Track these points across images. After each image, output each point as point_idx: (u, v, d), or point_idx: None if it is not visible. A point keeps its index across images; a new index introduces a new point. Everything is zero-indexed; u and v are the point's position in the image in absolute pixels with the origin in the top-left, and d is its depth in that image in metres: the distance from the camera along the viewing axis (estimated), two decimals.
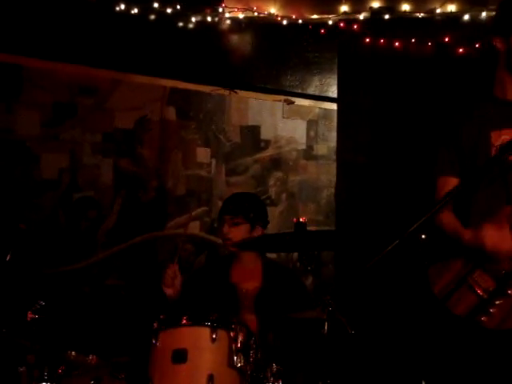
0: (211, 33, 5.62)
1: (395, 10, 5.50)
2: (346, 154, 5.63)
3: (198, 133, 5.67)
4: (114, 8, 5.37)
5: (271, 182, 5.78)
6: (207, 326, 3.18)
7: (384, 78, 5.47)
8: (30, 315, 3.47)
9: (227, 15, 5.63)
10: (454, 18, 5.42)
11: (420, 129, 5.28)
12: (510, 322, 3.12)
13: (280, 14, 5.64)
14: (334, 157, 5.78)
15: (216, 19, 5.61)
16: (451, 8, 5.45)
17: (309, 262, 3.49)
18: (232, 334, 3.18)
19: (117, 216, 5.39)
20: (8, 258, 3.75)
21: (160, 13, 5.46)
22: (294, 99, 5.84)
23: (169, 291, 3.95)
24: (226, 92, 5.71)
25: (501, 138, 3.21)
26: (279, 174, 5.80)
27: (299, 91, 5.84)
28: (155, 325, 3.26)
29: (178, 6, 5.51)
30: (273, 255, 5.09)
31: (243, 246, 4.03)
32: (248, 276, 4.11)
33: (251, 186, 5.71)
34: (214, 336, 3.15)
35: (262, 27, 5.69)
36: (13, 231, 4.02)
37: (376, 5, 5.55)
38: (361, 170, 5.51)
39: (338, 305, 3.31)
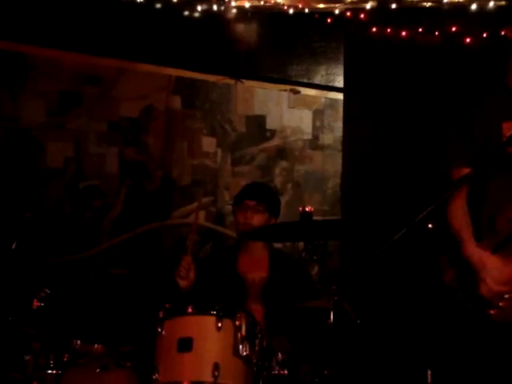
0: (217, 22, 5.60)
1: None
2: (352, 143, 5.62)
3: (204, 122, 5.66)
4: None
5: (277, 171, 5.78)
6: (212, 314, 3.19)
7: (391, 67, 5.44)
8: (35, 303, 3.47)
9: (233, 4, 5.61)
10: (461, 7, 5.39)
11: (427, 118, 5.27)
12: None
13: (286, 2, 5.62)
14: (340, 147, 5.76)
15: (222, 8, 5.59)
16: None
17: (314, 251, 3.50)
18: (237, 322, 3.19)
19: (122, 205, 5.39)
20: (14, 246, 3.76)
21: (166, 1, 5.44)
22: (299, 89, 5.83)
23: (183, 283, 3.94)
24: (232, 81, 5.70)
25: None
26: (285, 164, 5.79)
27: (305, 81, 5.83)
28: (161, 313, 3.26)
29: None
30: (278, 245, 5.09)
31: (250, 236, 4.04)
32: (255, 266, 4.12)
33: (257, 175, 5.71)
34: (219, 325, 3.16)
35: (268, 16, 5.66)
36: (18, 219, 4.03)
37: None
38: (367, 159, 5.49)
39: (344, 294, 3.31)
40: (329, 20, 5.61)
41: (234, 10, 5.63)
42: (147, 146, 5.50)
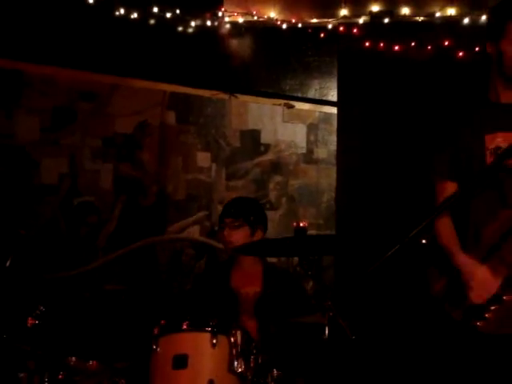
0: (211, 37, 5.62)
1: (395, 13, 5.50)
2: (346, 157, 5.63)
3: (198, 137, 5.66)
4: (114, 13, 5.36)
5: (271, 185, 5.79)
6: (207, 331, 3.18)
7: (384, 81, 5.47)
8: (30, 321, 3.46)
9: (227, 19, 5.63)
10: (453, 21, 5.42)
11: (421, 133, 5.27)
12: (506, 327, 3.13)
13: (280, 17, 5.65)
14: (334, 161, 5.78)
15: (216, 23, 5.61)
16: (451, 12, 5.45)
17: (309, 266, 3.49)
18: (232, 339, 3.18)
19: (117, 221, 5.39)
20: (8, 263, 3.75)
21: (159, 17, 5.46)
22: (293, 103, 5.84)
23: None
24: (226, 96, 5.72)
25: (495, 140, 3.24)
26: (279, 178, 5.80)
27: (299, 95, 5.85)
28: (155, 330, 3.26)
29: (178, 11, 5.50)
30: (273, 260, 5.09)
31: (243, 251, 4.03)
32: (248, 280, 4.11)
33: (251, 190, 5.71)
34: (214, 341, 3.15)
35: (261, 31, 5.69)
36: (13, 237, 4.02)
37: (376, 8, 5.54)
38: (361, 173, 5.50)
39: (339, 310, 3.31)
40: (322, 35, 5.64)
41: (228, 26, 5.66)
42: (142, 162, 5.50)
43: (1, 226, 4.73)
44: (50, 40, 5.20)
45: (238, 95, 5.74)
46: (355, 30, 5.55)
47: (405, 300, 4.74)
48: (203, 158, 5.67)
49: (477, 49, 5.29)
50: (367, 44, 5.51)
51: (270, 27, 5.66)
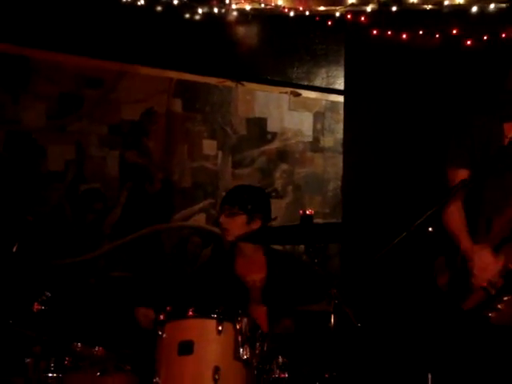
0: (218, 24, 5.60)
1: (403, 1, 5.48)
2: (353, 146, 5.62)
3: (205, 125, 5.66)
4: None
5: (277, 174, 5.78)
6: (213, 318, 3.19)
7: (391, 70, 5.45)
8: (36, 306, 3.47)
9: (234, 7, 5.61)
10: (461, 9, 5.39)
11: (427, 120, 5.27)
12: None
13: (287, 5, 5.62)
14: (341, 149, 5.77)
15: (223, 11, 5.59)
16: (459, 0, 5.42)
17: (315, 254, 3.49)
18: (238, 325, 3.19)
19: (123, 208, 5.39)
20: (15, 249, 3.76)
21: (166, 4, 5.45)
22: (300, 91, 5.83)
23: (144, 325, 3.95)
24: (233, 84, 5.70)
25: None
26: (285, 167, 5.79)
27: (306, 83, 5.83)
28: (161, 317, 3.26)
29: None
30: (279, 247, 5.09)
31: (248, 239, 4.03)
32: (253, 267, 4.11)
33: (257, 178, 5.71)
34: (219, 328, 3.16)
35: (268, 19, 5.67)
36: (19, 223, 4.03)
37: None
38: (367, 161, 5.49)
39: (345, 298, 3.31)
40: (329, 23, 5.62)
41: (235, 13, 5.64)
42: (148, 149, 5.50)
43: (8, 212, 4.74)
44: (57, 26, 5.20)
45: (245, 83, 5.73)
46: (363, 18, 5.52)
47: (410, 288, 4.74)
48: (209, 146, 5.67)
49: (485, 37, 5.27)
50: (375, 32, 5.49)
51: (277, 15, 5.64)
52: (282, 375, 3.34)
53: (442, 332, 3.93)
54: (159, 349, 3.22)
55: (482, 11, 5.33)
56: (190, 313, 3.23)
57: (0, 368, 3.60)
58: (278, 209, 5.49)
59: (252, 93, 5.77)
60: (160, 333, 3.22)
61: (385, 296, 4.95)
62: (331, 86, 5.83)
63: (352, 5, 5.57)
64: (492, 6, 5.29)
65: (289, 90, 5.82)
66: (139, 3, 5.39)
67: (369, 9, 5.54)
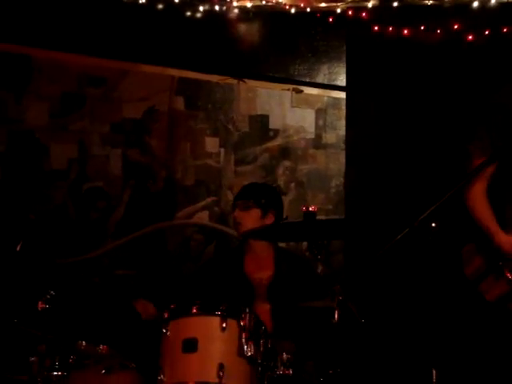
0: (219, 22, 5.60)
1: None
2: (355, 142, 5.61)
3: (207, 122, 5.66)
4: None
5: (280, 171, 5.78)
6: (217, 315, 3.19)
7: (393, 65, 5.44)
8: (40, 305, 3.48)
9: (235, 4, 5.60)
10: (463, 4, 5.37)
11: (429, 116, 5.26)
12: None
13: (288, 2, 5.61)
14: (343, 145, 5.76)
15: (224, 8, 5.58)
16: None
17: (318, 251, 3.50)
18: (242, 322, 3.19)
19: (126, 206, 5.40)
20: (18, 248, 3.77)
21: (168, 2, 5.44)
22: (302, 88, 5.82)
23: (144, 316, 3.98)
24: (235, 81, 5.70)
25: None
26: (288, 163, 5.79)
27: (308, 80, 5.82)
28: (165, 314, 3.27)
29: None
30: (282, 244, 5.10)
31: (253, 235, 4.04)
32: (261, 265, 4.12)
33: (260, 175, 5.71)
34: (223, 325, 3.16)
35: (270, 16, 5.66)
36: (23, 222, 4.03)
37: None
38: (370, 158, 5.48)
39: (348, 294, 3.31)
40: (331, 19, 5.61)
41: (236, 10, 5.63)
42: (150, 147, 5.51)
43: (11, 210, 4.75)
44: (58, 25, 5.20)
45: (247, 80, 5.73)
46: (364, 14, 5.51)
47: (414, 284, 4.74)
48: (212, 144, 5.67)
49: (486, 32, 5.26)
50: (376, 28, 5.47)
51: (278, 12, 5.63)
52: (287, 372, 3.35)
53: (449, 326, 3.93)
54: (163, 346, 3.23)
55: (483, 6, 5.31)
56: (194, 310, 3.24)
57: (5, 366, 3.61)
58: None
59: (254, 90, 5.77)
60: (164, 330, 3.23)
61: (389, 292, 4.95)
62: (333, 83, 5.82)
63: (353, 1, 5.56)
64: (493, 0, 5.27)
65: (291, 86, 5.81)
66: (140, 1, 5.38)
67: (370, 5, 5.53)
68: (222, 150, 5.69)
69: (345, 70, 5.72)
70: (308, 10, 5.62)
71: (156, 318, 3.76)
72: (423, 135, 5.26)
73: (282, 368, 3.34)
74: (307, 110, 5.86)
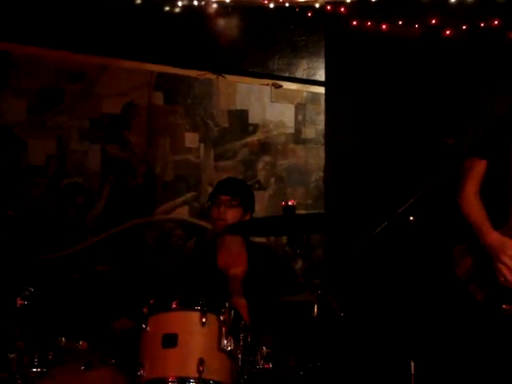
0: (198, 17, 5.59)
1: None
2: (335, 137, 5.64)
3: (186, 118, 5.65)
4: None
5: (260, 166, 5.78)
6: (197, 310, 3.19)
7: (371, 60, 5.46)
8: (19, 301, 3.46)
9: None
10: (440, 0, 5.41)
11: (408, 111, 5.29)
12: None
13: None
14: (323, 140, 5.78)
15: (202, 3, 5.57)
16: None
17: (298, 245, 3.50)
18: (222, 317, 3.20)
19: (105, 202, 5.38)
20: None
21: None
22: (281, 83, 5.83)
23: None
24: (214, 76, 5.70)
25: None
26: (268, 158, 5.80)
27: (287, 75, 5.83)
28: (145, 310, 3.26)
29: None
30: (262, 239, 5.10)
31: (232, 231, 4.05)
32: (234, 260, 4.13)
33: (240, 170, 5.71)
34: (203, 320, 3.17)
35: (248, 11, 5.66)
36: (1, 218, 4.01)
37: None
38: (349, 153, 5.51)
39: (328, 288, 3.32)
40: (309, 14, 5.62)
41: (215, 5, 5.62)
42: (130, 143, 5.49)
43: None
44: (36, 21, 5.17)
45: (226, 75, 5.72)
46: (342, 9, 5.53)
47: (393, 277, 4.77)
48: (191, 139, 5.66)
49: (464, 27, 5.29)
50: (354, 23, 5.50)
51: (257, 6, 5.63)
52: (267, 366, 3.36)
53: (427, 320, 3.96)
54: (143, 342, 3.23)
55: (461, 1, 5.35)
56: (174, 305, 3.24)
57: None
58: (261, 200, 5.51)
59: (233, 85, 5.77)
60: (144, 326, 3.23)
61: (368, 285, 4.97)
62: (312, 78, 5.83)
63: None
64: None
65: (270, 81, 5.82)
66: None
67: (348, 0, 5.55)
68: (202, 145, 5.68)
69: (324, 64, 5.75)
70: (287, 4, 5.62)
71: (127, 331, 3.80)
72: (402, 130, 5.29)
73: (261, 362, 3.35)
74: (287, 104, 5.86)
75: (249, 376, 3.28)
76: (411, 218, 3.36)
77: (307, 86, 5.87)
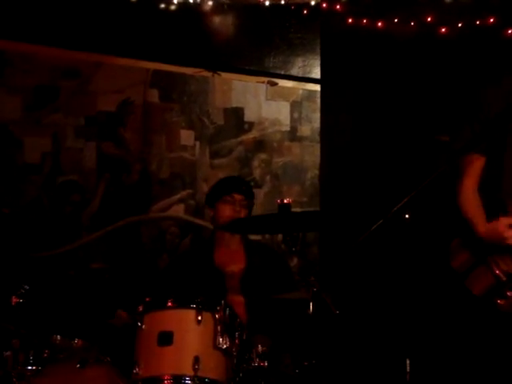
0: (193, 14, 5.58)
1: None
2: (330, 134, 5.64)
3: (182, 115, 5.64)
4: None
5: (255, 163, 5.78)
6: (192, 308, 3.19)
7: (367, 58, 5.46)
8: (14, 299, 3.45)
9: None
10: None
11: (403, 108, 5.29)
12: None
13: None
14: (318, 138, 5.78)
15: (198, 0, 5.57)
16: None
17: (293, 243, 3.50)
18: (217, 315, 3.19)
19: (101, 199, 5.38)
20: None
21: None
22: (277, 81, 5.83)
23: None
24: (209, 74, 5.70)
25: None
26: (263, 156, 5.80)
27: (282, 72, 5.83)
28: (140, 308, 3.26)
29: None
30: (257, 236, 5.10)
31: (228, 228, 4.04)
32: (232, 258, 4.13)
33: (235, 168, 5.71)
34: (199, 318, 3.16)
35: (244, 8, 5.66)
36: None
37: None
38: (344, 150, 5.51)
39: (323, 285, 3.32)
40: (305, 11, 5.62)
41: (211, 3, 5.61)
42: (125, 140, 5.48)
43: None
44: (31, 18, 5.15)
45: (221, 73, 5.73)
46: (338, 7, 5.52)
47: (389, 275, 4.77)
48: (187, 136, 5.66)
49: (459, 25, 5.29)
50: (350, 20, 5.49)
51: (252, 4, 5.63)
52: (262, 364, 3.36)
53: (423, 317, 3.96)
54: (139, 340, 3.22)
55: None
56: (169, 303, 3.23)
57: None
58: (257, 198, 5.48)
59: (229, 83, 5.77)
60: (139, 324, 3.22)
61: (363, 283, 4.98)
62: (307, 75, 5.84)
63: None
64: None
65: (265, 79, 5.82)
66: None
67: None
68: (198, 142, 5.68)
69: (319, 62, 5.75)
70: (282, 2, 5.62)
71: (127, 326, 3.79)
72: (397, 128, 5.29)
73: (257, 360, 3.35)
74: (282, 102, 5.87)
75: (244, 374, 3.28)
76: (406, 215, 3.36)
77: (303, 83, 5.88)
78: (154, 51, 5.54)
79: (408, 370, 3.38)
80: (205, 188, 5.54)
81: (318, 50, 5.74)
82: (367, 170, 5.34)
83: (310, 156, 5.84)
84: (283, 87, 5.86)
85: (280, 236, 5.43)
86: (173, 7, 5.52)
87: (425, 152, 5.01)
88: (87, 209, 5.33)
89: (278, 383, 3.46)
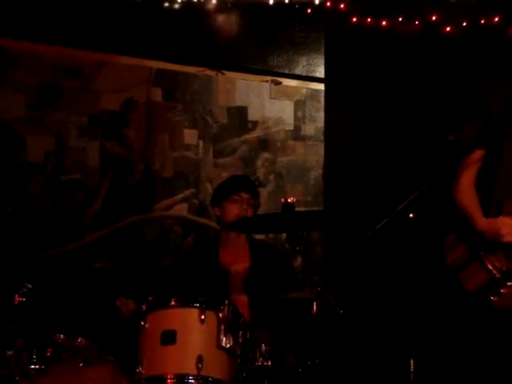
0: (197, 13, 5.57)
1: None
2: (334, 134, 5.63)
3: (185, 114, 5.63)
4: None
5: (259, 162, 5.77)
6: (196, 307, 3.19)
7: (371, 57, 5.45)
8: (17, 298, 3.45)
9: None
10: None
11: (407, 107, 5.28)
12: None
13: None
14: (322, 137, 5.77)
15: None
16: None
17: (297, 242, 3.49)
18: (221, 314, 3.19)
19: (104, 199, 5.37)
20: None
21: None
22: (281, 80, 5.82)
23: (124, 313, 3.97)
24: (213, 73, 5.68)
25: None
26: (267, 155, 5.79)
27: (286, 72, 5.82)
28: (144, 307, 3.26)
29: None
30: (261, 236, 5.09)
31: (232, 227, 4.04)
32: (237, 257, 4.13)
33: (239, 167, 5.70)
34: (202, 317, 3.16)
35: (248, 7, 5.65)
36: (0, 214, 4.00)
37: None
38: (348, 149, 5.50)
39: (327, 285, 3.31)
40: (309, 10, 5.61)
41: (214, 1, 5.60)
42: (128, 139, 5.47)
43: None
44: (34, 16, 5.14)
45: (225, 72, 5.71)
46: (342, 6, 5.51)
47: (393, 274, 4.76)
48: (190, 136, 5.65)
49: (464, 24, 5.28)
50: (354, 19, 5.48)
51: (256, 3, 5.62)
52: (265, 363, 3.36)
53: (427, 316, 3.95)
54: (142, 339, 3.22)
55: None
56: (173, 302, 3.23)
57: None
58: (261, 197, 5.46)
59: (232, 81, 5.76)
60: (142, 323, 3.22)
61: (367, 283, 4.97)
62: (311, 74, 5.83)
63: None
64: None
65: (269, 78, 5.81)
66: None
67: None
68: (201, 141, 5.67)
69: (323, 61, 5.74)
70: (286, 1, 5.61)
71: (135, 315, 3.76)
72: (401, 126, 5.28)
73: (260, 359, 3.35)
74: (286, 101, 5.86)
75: (248, 373, 3.27)
76: (411, 215, 3.35)
77: (307, 82, 5.87)
78: (157, 50, 5.53)
79: (412, 370, 3.38)
80: (208, 187, 5.53)
81: (322, 49, 5.73)
82: (371, 169, 5.33)
83: (314, 155, 5.83)
84: (287, 86, 5.85)
85: (284, 235, 5.42)
86: (176, 6, 5.51)
87: (429, 151, 5.00)
88: (90, 208, 5.33)
89: (281, 383, 3.46)
